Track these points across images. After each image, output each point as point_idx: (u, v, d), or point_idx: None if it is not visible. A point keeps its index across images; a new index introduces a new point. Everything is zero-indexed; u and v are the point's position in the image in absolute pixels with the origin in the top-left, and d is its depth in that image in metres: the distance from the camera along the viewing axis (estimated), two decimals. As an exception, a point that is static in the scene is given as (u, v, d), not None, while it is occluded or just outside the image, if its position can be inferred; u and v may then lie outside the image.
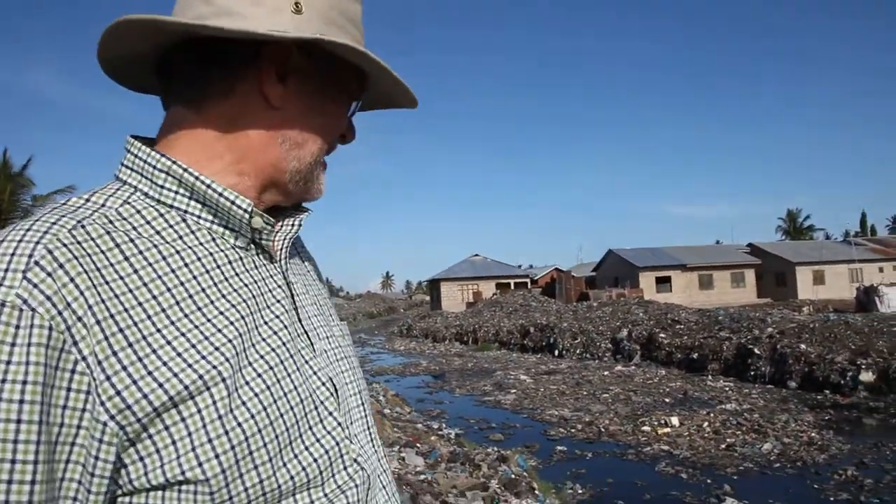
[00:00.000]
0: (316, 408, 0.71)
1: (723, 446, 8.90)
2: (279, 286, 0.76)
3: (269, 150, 0.75)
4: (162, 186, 0.70)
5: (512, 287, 49.47)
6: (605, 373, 16.79)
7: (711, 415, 10.66)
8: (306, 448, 0.69)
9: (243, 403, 0.64)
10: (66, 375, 0.57)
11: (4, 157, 21.80)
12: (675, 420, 10.32)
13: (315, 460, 0.69)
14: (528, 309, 33.04)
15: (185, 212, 0.71)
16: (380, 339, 37.64)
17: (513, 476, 6.39)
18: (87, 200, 0.68)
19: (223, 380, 0.63)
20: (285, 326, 0.72)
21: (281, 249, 0.78)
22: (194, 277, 0.68)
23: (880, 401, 11.22)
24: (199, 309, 0.66)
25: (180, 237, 0.69)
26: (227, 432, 0.62)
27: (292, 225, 0.81)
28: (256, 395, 0.65)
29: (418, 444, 7.57)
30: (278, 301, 0.74)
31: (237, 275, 0.71)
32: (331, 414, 0.73)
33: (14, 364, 0.54)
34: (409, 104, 0.86)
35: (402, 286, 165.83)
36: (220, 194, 0.70)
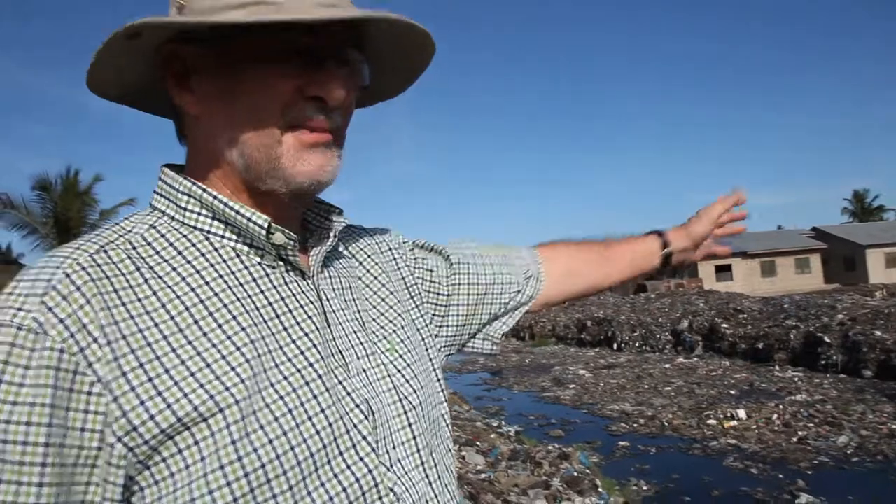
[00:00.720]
0: (348, 432, 0.67)
1: (794, 440, 8.55)
2: (311, 302, 0.72)
3: (221, 158, 0.71)
4: (185, 209, 0.71)
5: (567, 281, 48.94)
6: (667, 365, 16.41)
7: (780, 406, 10.26)
8: (335, 476, 0.65)
9: (261, 427, 0.61)
10: (83, 398, 0.57)
11: (74, 176, 22.73)
12: (741, 413, 9.98)
13: (344, 489, 0.65)
14: (584, 302, 32.62)
15: (209, 232, 0.70)
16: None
17: (575, 473, 6.29)
18: (117, 225, 0.69)
19: (236, 402, 0.61)
20: (314, 346, 0.69)
21: (313, 265, 0.76)
22: (215, 294, 0.66)
23: (965, 389, 10.62)
24: (220, 326, 0.64)
25: (202, 255, 0.69)
26: (240, 458, 0.60)
27: (326, 238, 0.78)
28: (276, 419, 0.62)
29: (478, 443, 7.54)
30: (309, 318, 0.71)
31: (262, 292, 0.69)
32: (364, 438, 0.68)
33: (26, 387, 0.54)
34: (419, 46, 0.77)
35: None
36: (238, 212, 0.69)
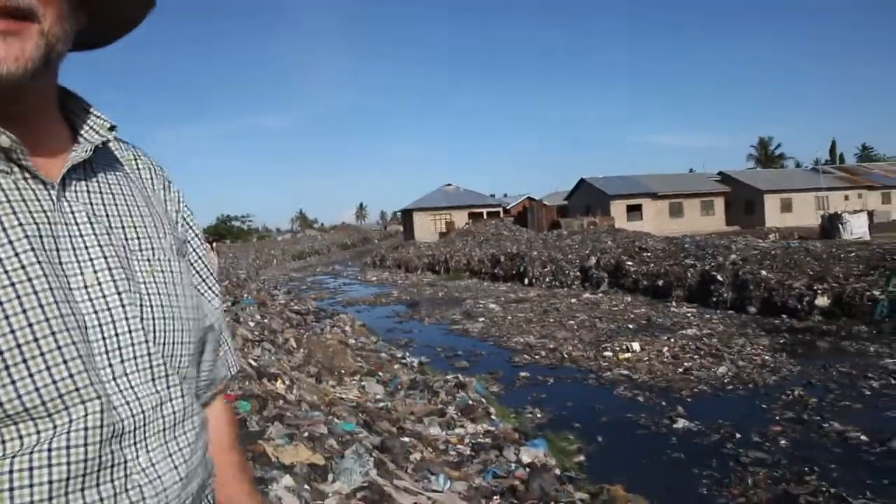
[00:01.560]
0: (53, 335, 0.65)
1: (680, 370, 9.15)
2: (41, 210, 0.70)
3: None
4: None
5: (485, 216, 49.52)
6: (573, 300, 17.06)
7: (672, 340, 10.93)
8: (30, 374, 0.63)
9: None
10: None
11: None
12: (636, 345, 10.56)
13: (37, 389, 0.64)
14: (499, 238, 33.21)
15: None
16: (353, 270, 37.69)
17: (470, 402, 6.53)
18: None
19: None
20: (26, 250, 0.66)
21: (60, 175, 0.73)
22: None
23: (833, 324, 11.60)
24: None
25: None
26: None
27: (84, 150, 0.76)
28: None
29: (380, 373, 7.68)
30: (33, 223, 0.68)
31: None
32: (73, 343, 0.66)
33: None
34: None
35: (377, 217, 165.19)
36: None
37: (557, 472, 5.25)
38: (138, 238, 0.80)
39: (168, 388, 0.76)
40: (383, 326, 14.73)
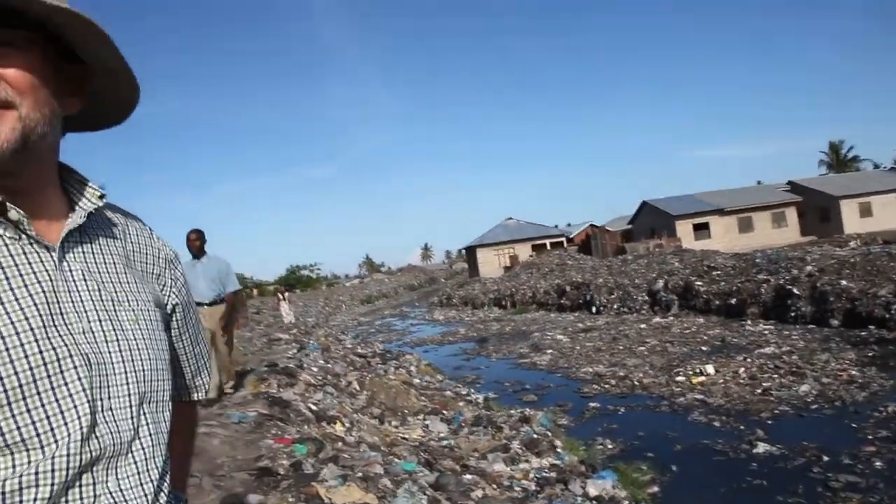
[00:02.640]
0: (62, 371, 0.78)
1: (758, 391, 8.70)
2: (45, 270, 0.83)
3: None
4: None
5: (548, 247, 49.09)
6: (643, 326, 16.59)
7: (748, 360, 10.42)
8: (42, 404, 0.76)
9: None
10: None
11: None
12: (710, 368, 10.12)
13: (48, 416, 0.76)
14: (563, 268, 32.79)
15: None
16: (420, 310, 37.88)
17: (535, 436, 6.35)
18: None
19: None
20: (35, 304, 0.80)
21: (59, 239, 0.87)
22: None
23: (926, 332, 10.82)
24: None
25: None
26: None
27: (79, 216, 0.90)
28: None
29: (444, 412, 7.59)
30: (38, 282, 0.82)
31: None
32: (79, 380, 0.80)
33: None
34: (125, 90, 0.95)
35: (442, 256, 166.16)
36: None
37: (627, 504, 5.02)
38: (123, 291, 0.93)
39: (144, 422, 0.88)
40: (450, 364, 14.66)
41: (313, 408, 6.20)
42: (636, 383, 10.19)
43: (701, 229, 43.72)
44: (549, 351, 14.65)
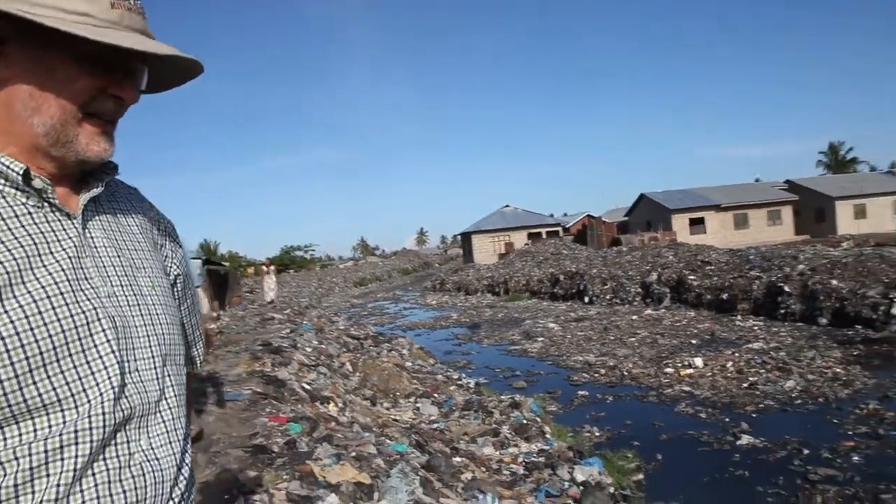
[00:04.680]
0: (91, 334, 0.83)
1: (745, 385, 8.84)
2: (69, 237, 0.88)
3: (15, 119, 0.85)
4: None
5: (543, 236, 49.17)
6: (634, 317, 16.72)
7: (736, 354, 10.55)
8: (74, 365, 0.80)
9: (5, 312, 0.76)
10: None
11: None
12: (698, 361, 10.26)
13: (80, 377, 0.80)
14: (558, 257, 32.88)
15: None
16: (413, 294, 37.97)
17: (524, 421, 6.47)
18: None
19: None
20: (62, 269, 0.84)
21: (80, 207, 0.91)
22: None
23: (912, 333, 10.98)
24: None
25: None
26: None
27: (97, 186, 0.95)
28: (20, 317, 0.77)
29: (435, 395, 7.70)
30: (63, 250, 0.86)
31: (23, 226, 0.84)
32: (108, 341, 0.85)
33: None
34: (189, 71, 0.96)
35: (437, 241, 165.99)
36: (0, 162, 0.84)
37: (612, 490, 5.14)
38: (140, 259, 0.99)
39: (169, 383, 0.95)
40: (442, 349, 14.77)
41: (307, 387, 6.29)
42: (625, 373, 10.33)
43: (696, 224, 43.83)
44: (541, 339, 14.77)
